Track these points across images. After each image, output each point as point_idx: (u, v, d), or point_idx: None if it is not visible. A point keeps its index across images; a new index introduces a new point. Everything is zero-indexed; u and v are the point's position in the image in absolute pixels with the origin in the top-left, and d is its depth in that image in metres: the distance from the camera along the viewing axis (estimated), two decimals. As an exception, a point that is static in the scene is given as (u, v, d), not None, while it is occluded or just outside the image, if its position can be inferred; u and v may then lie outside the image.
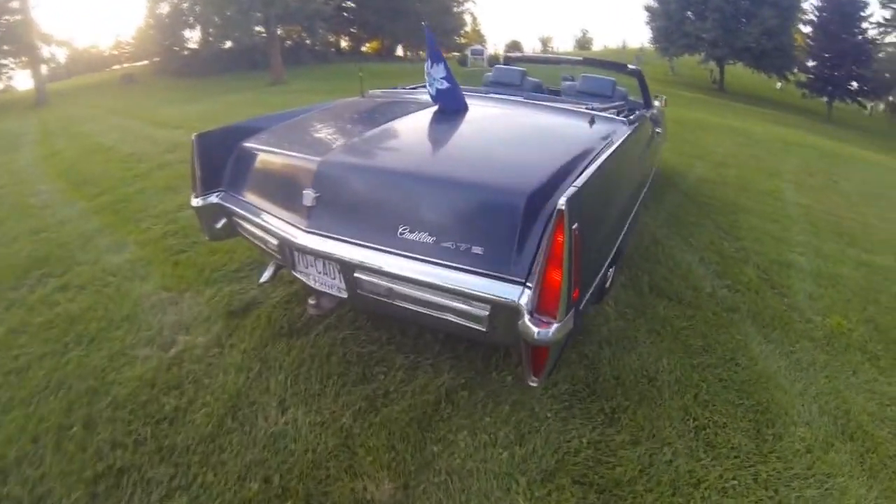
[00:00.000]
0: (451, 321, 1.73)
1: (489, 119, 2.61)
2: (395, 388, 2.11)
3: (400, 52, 40.19)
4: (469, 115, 2.52)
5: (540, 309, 1.47)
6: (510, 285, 1.54)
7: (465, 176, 1.81)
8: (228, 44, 25.49)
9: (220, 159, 2.30)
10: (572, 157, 1.94)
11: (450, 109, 2.49)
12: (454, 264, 1.61)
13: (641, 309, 2.96)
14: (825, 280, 3.84)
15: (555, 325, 1.45)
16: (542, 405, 2.11)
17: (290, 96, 14.07)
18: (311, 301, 2.23)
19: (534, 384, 1.70)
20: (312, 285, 2.02)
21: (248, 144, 2.30)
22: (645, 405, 2.19)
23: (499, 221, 1.60)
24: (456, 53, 35.25)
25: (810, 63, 27.83)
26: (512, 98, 3.06)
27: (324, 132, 2.45)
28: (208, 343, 2.37)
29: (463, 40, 41.87)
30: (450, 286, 1.60)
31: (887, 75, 26.52)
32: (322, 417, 1.96)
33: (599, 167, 1.88)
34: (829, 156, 10.87)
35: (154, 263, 3.19)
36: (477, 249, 1.59)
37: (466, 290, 1.58)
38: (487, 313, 1.62)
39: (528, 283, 1.51)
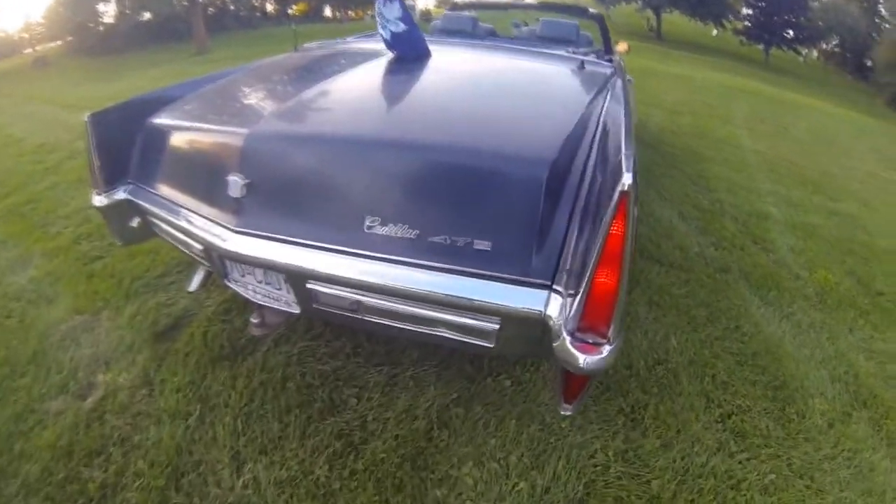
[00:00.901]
0: (446, 337, 1.37)
1: (461, 67, 2.20)
2: (374, 416, 1.72)
3: (328, 12, 39.52)
4: (434, 63, 2.11)
5: (586, 325, 1.11)
6: (532, 290, 1.18)
7: (457, 143, 1.41)
8: (147, 15, 24.49)
9: (125, 143, 1.77)
10: (579, 114, 1.60)
11: (409, 56, 2.07)
12: (449, 266, 1.24)
13: (635, 277, 2.78)
14: (801, 231, 3.89)
15: (607, 349, 1.10)
16: (553, 413, 1.82)
17: (217, 65, 13.55)
18: (254, 319, 1.76)
19: (566, 413, 1.36)
20: (252, 299, 1.58)
21: (156, 121, 1.78)
22: (665, 397, 1.99)
23: (511, 203, 1.24)
24: (385, 8, 35.64)
25: (746, 11, 29.17)
26: (477, 43, 2.67)
27: (252, 98, 1.95)
28: (134, 382, 1.89)
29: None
30: (445, 296, 1.23)
31: (821, 23, 28.44)
32: (289, 471, 1.55)
33: (616, 122, 1.56)
34: (774, 102, 11.42)
35: (64, 279, 2.60)
36: (481, 244, 1.22)
37: (469, 301, 1.22)
38: (498, 327, 1.26)
39: (557, 286, 1.17)
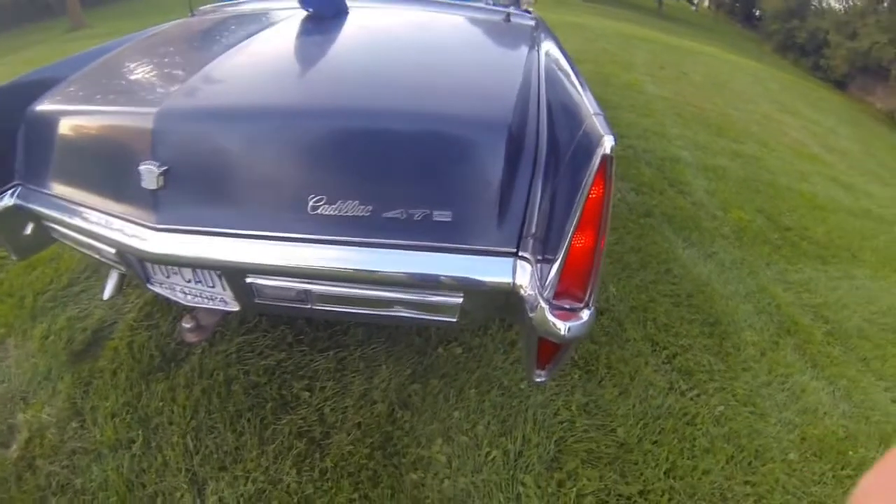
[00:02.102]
0: (404, 317, 1.35)
1: (386, 25, 2.12)
2: (331, 407, 1.69)
3: None
4: (356, 21, 2.02)
5: (564, 290, 1.11)
6: (499, 260, 1.19)
7: (404, 107, 1.34)
8: None
9: (5, 138, 1.54)
10: (521, 69, 1.61)
11: (326, 14, 1.97)
12: (409, 242, 1.21)
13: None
14: (712, 173, 4.29)
15: (587, 313, 1.11)
16: (511, 376, 1.90)
17: (98, 41, 11.77)
18: (186, 324, 1.60)
19: (540, 380, 1.35)
20: (182, 302, 1.46)
21: (40, 108, 1.54)
22: (614, 346, 2.16)
23: (469, 169, 1.22)
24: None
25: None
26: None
27: (154, 71, 1.73)
28: (60, 416, 1.69)
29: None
30: (407, 276, 1.21)
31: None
32: (256, 484, 1.48)
33: (563, 77, 1.58)
34: (671, 49, 12.24)
35: (-46, 307, 2.24)
36: (441, 215, 1.20)
37: (433, 278, 1.21)
38: (461, 301, 1.26)
39: (523, 253, 1.18)
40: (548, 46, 1.98)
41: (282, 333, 1.96)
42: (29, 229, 1.62)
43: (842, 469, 1.87)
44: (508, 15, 2.30)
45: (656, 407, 1.92)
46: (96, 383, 1.81)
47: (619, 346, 2.16)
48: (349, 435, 1.64)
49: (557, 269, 1.08)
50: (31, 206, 1.53)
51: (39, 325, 2.08)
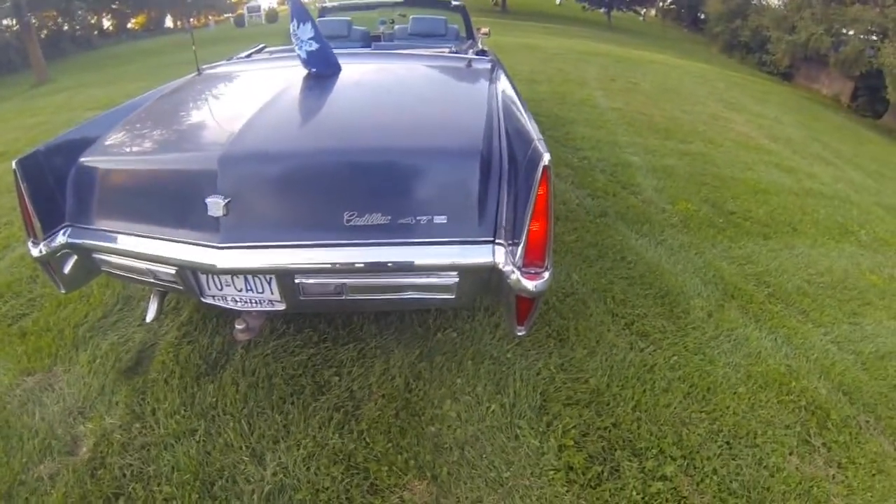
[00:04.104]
0: (415, 298, 1.87)
1: (376, 78, 2.73)
2: (358, 386, 2.19)
3: (169, 22, 40.06)
4: (350, 77, 2.59)
5: (529, 261, 1.65)
6: (482, 247, 1.71)
7: (409, 144, 1.91)
8: None
9: (56, 187, 1.97)
10: (485, 106, 2.18)
11: (325, 72, 2.52)
12: (419, 239, 1.72)
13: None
14: (661, 173, 4.91)
15: (547, 273, 1.66)
16: (498, 349, 2.42)
17: (66, 95, 12.34)
18: (239, 325, 2.09)
19: (521, 333, 1.89)
20: (234, 308, 1.93)
21: (89, 158, 2.01)
22: (580, 319, 2.68)
23: (457, 185, 1.75)
24: (230, 15, 36.41)
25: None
26: (372, 52, 3.24)
27: (192, 123, 2.26)
28: (123, 420, 2.07)
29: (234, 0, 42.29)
30: (421, 263, 1.72)
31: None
32: (307, 449, 1.94)
33: (514, 108, 2.18)
34: (622, 61, 13.21)
35: (-9, 347, 2.58)
36: (440, 219, 1.72)
37: (438, 264, 1.73)
38: (456, 280, 1.78)
39: (498, 240, 1.71)
40: (502, 85, 2.58)
41: (308, 335, 2.45)
42: (71, 265, 2.04)
43: (786, 395, 2.36)
44: (470, 62, 2.90)
45: (620, 361, 2.43)
46: (151, 390, 2.18)
47: (584, 319, 2.69)
48: (376, 404, 2.12)
49: (523, 246, 1.63)
50: (82, 241, 1.95)
51: (83, 353, 2.41)
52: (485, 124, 1.96)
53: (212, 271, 1.79)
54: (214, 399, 2.13)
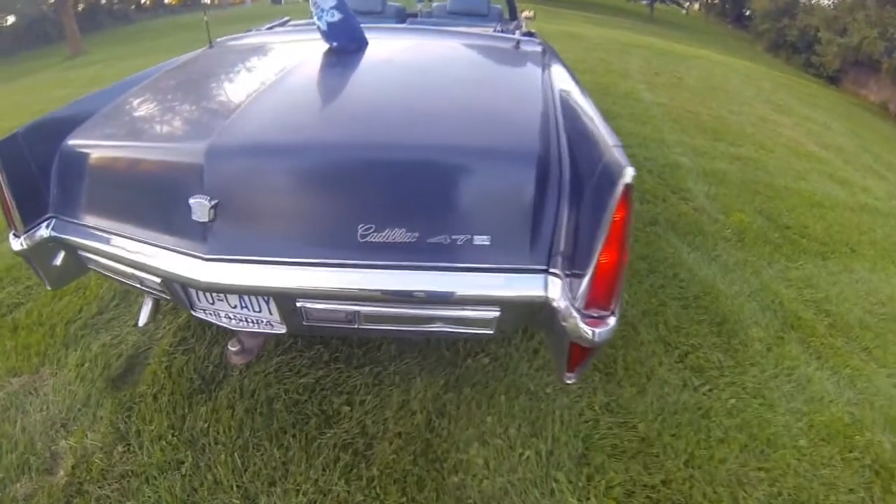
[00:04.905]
0: (444, 332, 1.54)
1: (407, 57, 2.29)
2: (372, 420, 1.88)
3: None
4: (378, 54, 2.20)
5: (592, 301, 1.27)
6: (533, 276, 1.37)
7: (444, 141, 1.51)
8: (11, 19, 25.46)
9: (39, 172, 1.69)
10: (540, 97, 1.78)
11: (348, 47, 2.16)
12: (454, 264, 1.37)
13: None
14: (712, 178, 4.53)
15: (613, 319, 1.29)
16: (536, 381, 2.09)
17: (98, 68, 12.59)
18: (232, 347, 1.79)
19: (570, 381, 1.49)
20: (226, 327, 1.63)
21: (75, 142, 1.71)
22: (630, 348, 2.35)
23: (506, 195, 1.40)
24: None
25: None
26: (405, 28, 2.83)
27: (190, 104, 1.90)
28: (105, 441, 1.83)
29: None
30: (455, 295, 1.38)
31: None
32: (307, 496, 1.64)
33: (576, 103, 1.78)
34: (665, 54, 12.61)
35: (-19, 338, 2.41)
36: (481, 239, 1.37)
37: (478, 295, 1.38)
38: (498, 314, 1.44)
39: (553, 269, 1.36)
40: (559, 73, 2.16)
41: (318, 352, 2.14)
42: (62, 260, 1.77)
43: (849, 452, 2.05)
44: (518, 42, 2.47)
45: (672, 403, 2.11)
46: (138, 407, 1.95)
47: (634, 349, 2.35)
48: (391, 444, 1.81)
49: (588, 282, 1.24)
50: (66, 236, 1.67)
51: (73, 354, 2.21)
52: (540, 120, 1.58)
53: (195, 286, 1.47)
54: (206, 424, 1.85)
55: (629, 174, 1.14)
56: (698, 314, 2.69)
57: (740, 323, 2.69)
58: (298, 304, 1.46)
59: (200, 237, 1.43)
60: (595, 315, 1.27)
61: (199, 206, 1.38)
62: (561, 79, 2.08)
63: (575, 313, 1.28)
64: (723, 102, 7.85)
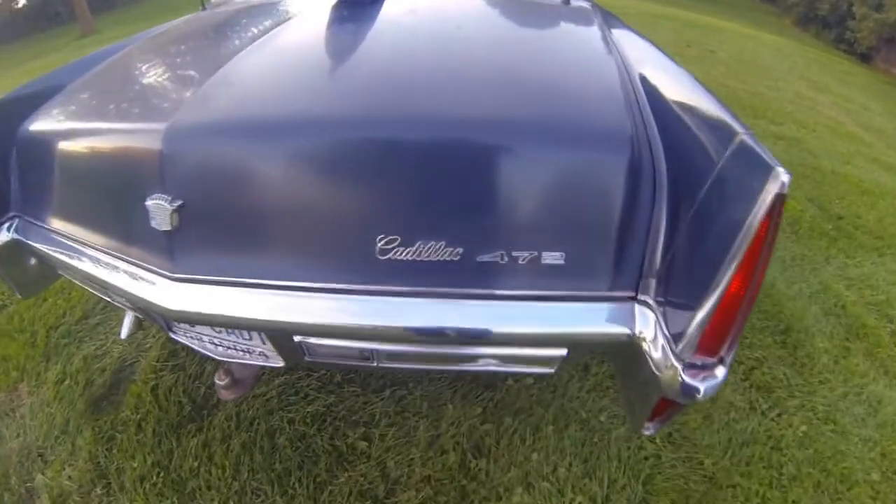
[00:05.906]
0: (493, 370, 1.18)
1: (430, 11, 1.80)
2: (395, 460, 1.58)
3: None
4: (397, 5, 1.74)
5: (704, 347, 0.90)
6: (615, 307, 1.01)
7: (496, 116, 1.07)
8: (22, 1, 25.48)
9: (1, 163, 1.39)
10: (615, 67, 1.32)
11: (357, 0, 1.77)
12: (512, 292, 1.01)
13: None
14: (758, 160, 4.17)
15: (722, 371, 0.91)
16: (588, 408, 1.79)
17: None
18: (220, 380, 1.44)
19: (648, 433, 1.13)
20: (212, 356, 1.32)
21: (33, 126, 1.38)
22: (691, 364, 2.05)
23: (587, 195, 1.01)
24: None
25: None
26: None
27: (162, 78, 1.47)
28: (83, 479, 1.57)
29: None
30: (510, 333, 1.03)
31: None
32: None
33: (668, 76, 1.40)
34: (695, 26, 12.11)
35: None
36: (551, 255, 0.99)
37: (544, 334, 1.03)
38: (565, 354, 1.08)
39: (641, 297, 1.01)
40: (626, 36, 1.73)
41: (328, 372, 1.84)
42: (31, 265, 1.50)
43: None
44: None
45: (740, 431, 1.84)
46: (120, 438, 1.69)
47: (694, 364, 2.06)
48: (419, 492, 1.52)
49: (702, 321, 0.87)
50: (29, 241, 1.37)
51: (54, 367, 1.98)
52: (623, 95, 1.15)
53: (161, 314, 1.13)
54: (196, 463, 1.57)
55: (782, 178, 0.78)
56: (760, 320, 2.41)
57: (805, 332, 2.40)
58: (296, 339, 1.11)
59: (165, 250, 1.09)
60: (699, 364, 0.90)
61: (159, 210, 1.03)
62: (634, 44, 1.65)
63: (675, 361, 0.90)
64: (758, 78, 7.44)
